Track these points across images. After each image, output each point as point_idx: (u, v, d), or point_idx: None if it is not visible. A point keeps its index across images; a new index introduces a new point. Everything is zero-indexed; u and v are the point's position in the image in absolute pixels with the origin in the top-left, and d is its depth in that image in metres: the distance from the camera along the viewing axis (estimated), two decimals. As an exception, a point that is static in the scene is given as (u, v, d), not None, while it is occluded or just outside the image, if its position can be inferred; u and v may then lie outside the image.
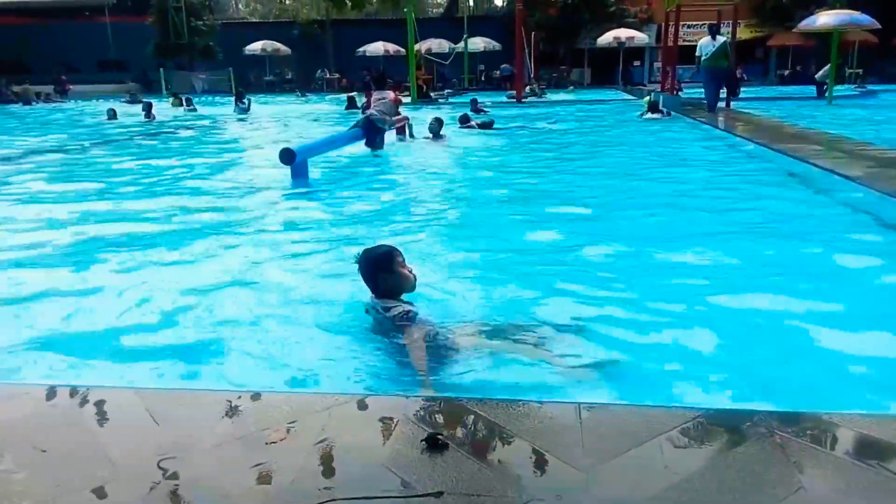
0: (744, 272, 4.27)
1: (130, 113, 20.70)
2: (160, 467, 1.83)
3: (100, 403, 2.22)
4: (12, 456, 1.86)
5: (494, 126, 14.09)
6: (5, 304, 3.80)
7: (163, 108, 22.31)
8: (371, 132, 10.51)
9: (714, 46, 15.19)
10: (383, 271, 3.32)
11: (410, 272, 3.39)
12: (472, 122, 13.97)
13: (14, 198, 7.46)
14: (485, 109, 14.31)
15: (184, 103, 23.72)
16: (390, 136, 11.62)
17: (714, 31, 15.47)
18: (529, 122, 15.68)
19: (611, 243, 4.95)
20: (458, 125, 13.82)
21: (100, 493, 1.72)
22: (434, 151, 10.97)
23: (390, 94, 11.29)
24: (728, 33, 17.89)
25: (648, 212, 6.20)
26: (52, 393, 2.27)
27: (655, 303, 3.68)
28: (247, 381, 2.72)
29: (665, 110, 16.00)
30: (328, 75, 38.18)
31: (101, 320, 3.48)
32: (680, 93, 20.56)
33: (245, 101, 22.14)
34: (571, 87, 32.50)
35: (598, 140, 13.16)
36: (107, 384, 2.49)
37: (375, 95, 11.27)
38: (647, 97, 18.34)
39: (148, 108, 19.36)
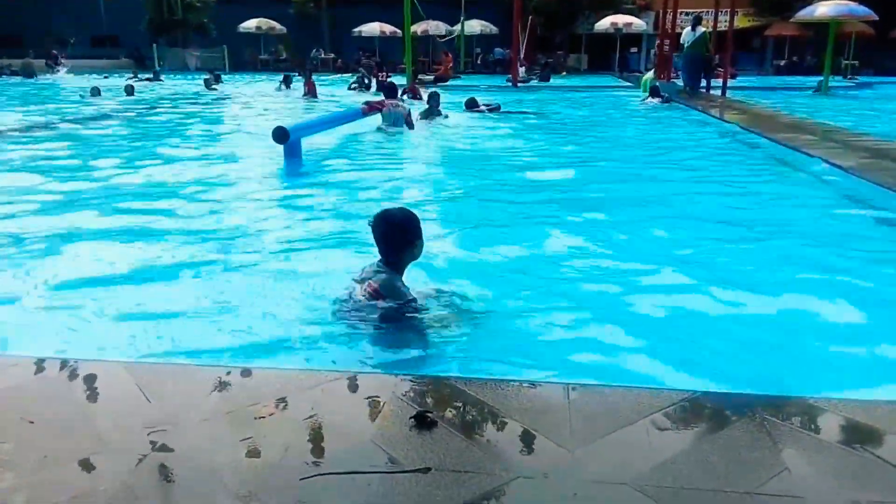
0: (735, 259, 4.29)
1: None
2: (149, 440, 1.84)
3: (89, 376, 2.22)
4: (2, 427, 1.85)
5: (501, 110, 13.98)
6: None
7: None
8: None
9: (694, 36, 16.73)
10: (416, 239, 2.95)
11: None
12: (481, 106, 13.77)
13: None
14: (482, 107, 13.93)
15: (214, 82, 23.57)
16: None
17: (695, 23, 17.11)
18: (529, 107, 15.61)
19: (606, 228, 4.96)
20: (465, 109, 13.64)
21: (86, 465, 1.72)
22: (438, 134, 10.89)
23: (407, 110, 11.09)
24: (708, 26, 18.45)
25: (643, 195, 6.22)
26: (41, 365, 2.27)
27: (646, 286, 3.70)
28: (236, 357, 2.72)
29: (665, 95, 16.01)
30: (323, 55, 37.85)
31: (91, 293, 3.46)
32: (675, 80, 20.52)
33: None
34: (565, 73, 32.34)
35: (599, 124, 13.15)
36: (96, 357, 2.48)
37: (392, 103, 11.02)
38: (648, 74, 18.43)
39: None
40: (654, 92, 16.23)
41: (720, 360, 2.90)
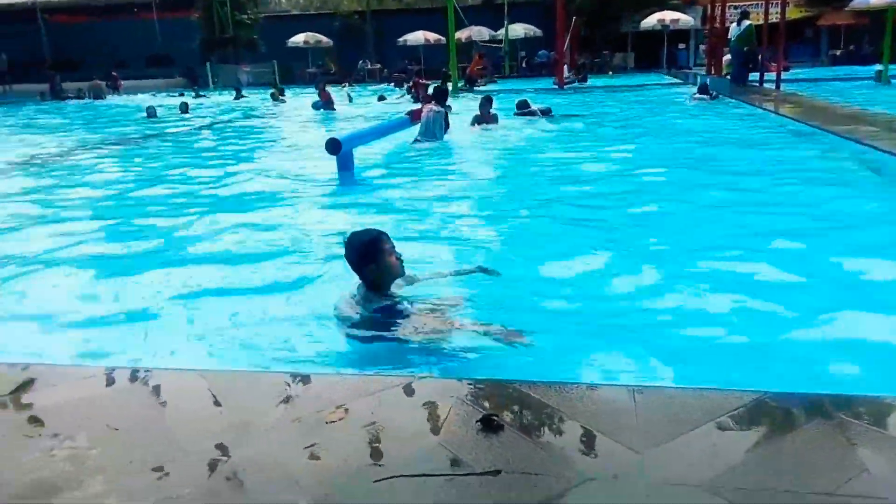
0: (800, 258, 4.19)
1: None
2: (225, 445, 1.90)
3: (166, 384, 2.31)
4: (87, 434, 1.95)
5: (551, 113, 13.81)
6: (81, 292, 3.97)
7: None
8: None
9: (739, 30, 17.05)
10: (369, 263, 3.14)
11: (397, 259, 3.21)
12: (533, 108, 13.57)
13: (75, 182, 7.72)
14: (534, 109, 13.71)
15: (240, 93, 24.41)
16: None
17: (741, 18, 17.32)
18: (578, 109, 15.48)
19: (665, 227, 4.92)
20: (516, 112, 13.48)
21: (169, 470, 1.80)
22: (484, 140, 10.88)
23: (443, 112, 11.04)
24: (758, 19, 18.32)
25: (701, 194, 6.12)
26: (121, 375, 2.37)
27: (709, 286, 3.64)
28: (302, 363, 2.79)
29: (713, 93, 15.69)
30: (370, 66, 38.35)
31: (163, 306, 3.61)
32: (726, 76, 20.10)
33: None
34: (611, 73, 31.98)
35: (648, 124, 12.95)
36: (173, 366, 2.58)
37: (431, 107, 11.00)
38: (697, 80, 18.18)
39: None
40: (702, 89, 15.94)
41: (789, 359, 2.84)
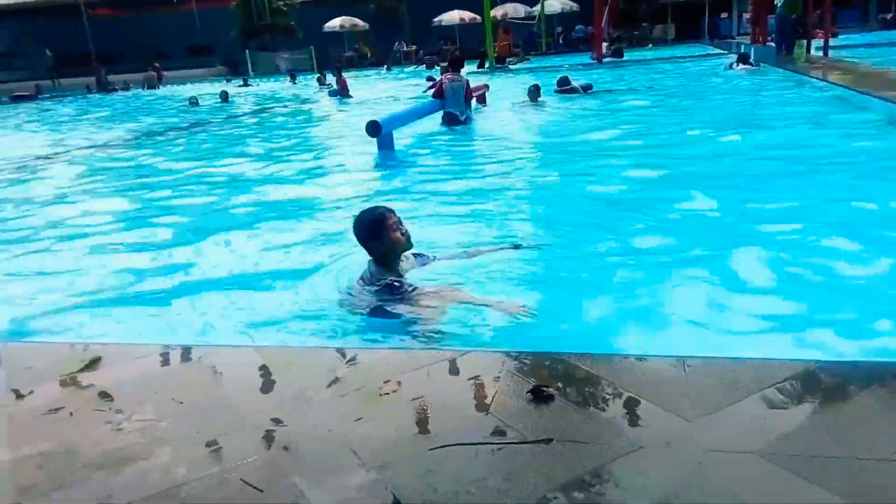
0: (854, 227, 4.10)
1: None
2: (284, 417, 1.97)
3: (224, 360, 2.40)
4: (154, 407, 2.04)
5: (593, 89, 13.64)
6: (142, 272, 4.13)
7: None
8: (450, 123, 10.46)
9: None
10: (374, 239, 3.29)
11: (403, 234, 3.32)
12: (574, 85, 13.46)
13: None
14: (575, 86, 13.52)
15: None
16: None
17: None
18: (619, 83, 15.24)
19: (706, 198, 4.85)
20: (556, 89, 13.38)
21: (233, 440, 1.87)
22: (525, 118, 10.81)
23: (465, 81, 10.99)
24: None
25: (743, 166, 6.01)
26: (183, 352, 2.47)
27: (757, 257, 3.60)
28: (352, 338, 2.87)
29: (755, 62, 15.25)
30: (405, 48, 38.27)
31: (221, 285, 3.75)
32: (771, 43, 19.50)
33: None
34: (650, 45, 31.30)
35: (689, 97, 12.70)
36: (230, 343, 2.67)
37: (450, 76, 10.97)
38: (741, 50, 17.70)
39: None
40: (742, 58, 15.49)
41: (841, 329, 2.79)
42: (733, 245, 3.81)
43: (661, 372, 2.15)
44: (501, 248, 3.97)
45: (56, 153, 10.88)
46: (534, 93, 11.99)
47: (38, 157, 10.35)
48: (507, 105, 12.10)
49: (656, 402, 1.95)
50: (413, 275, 3.45)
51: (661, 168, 6.27)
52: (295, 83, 25.52)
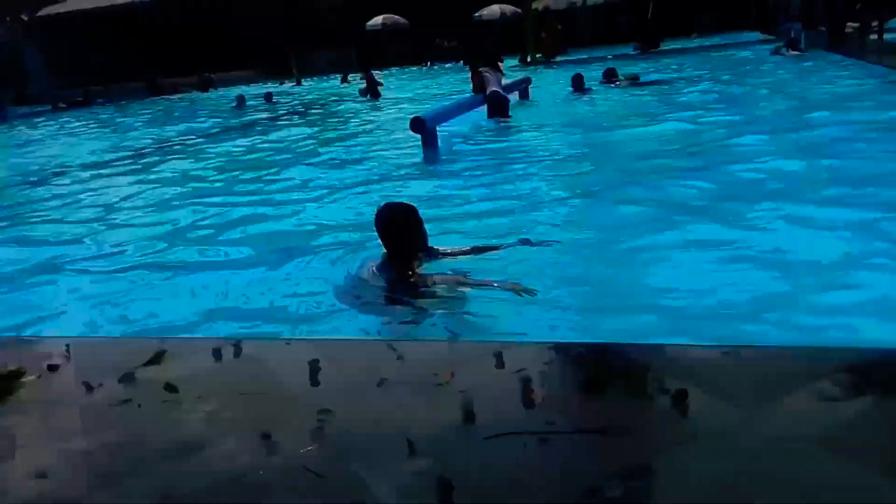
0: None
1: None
2: (338, 408, 2.02)
3: (281, 353, 2.48)
4: (216, 398, 2.12)
5: (640, 80, 13.48)
6: (197, 269, 4.30)
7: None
8: (496, 112, 10.45)
9: None
10: (393, 234, 3.31)
11: (420, 235, 3.40)
12: (621, 76, 13.33)
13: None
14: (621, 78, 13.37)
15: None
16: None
17: None
18: (666, 73, 15.01)
19: (752, 191, 4.77)
20: (602, 80, 13.26)
21: (296, 428, 1.93)
22: (570, 111, 10.75)
23: (502, 74, 10.99)
24: None
25: (792, 157, 5.88)
26: (242, 345, 2.56)
27: (813, 248, 3.53)
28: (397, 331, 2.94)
29: (803, 47, 14.83)
30: (446, 44, 38.25)
31: (273, 281, 3.87)
32: (822, 29, 18.94)
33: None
34: (695, 34, 30.66)
35: (736, 84, 12.42)
36: (286, 337, 2.75)
37: (488, 70, 10.94)
38: (791, 34, 17.16)
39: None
40: (791, 43, 15.06)
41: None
42: (782, 233, 3.76)
43: (714, 361, 2.14)
44: (510, 245, 3.98)
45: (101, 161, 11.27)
46: (578, 83, 11.93)
47: (86, 164, 10.75)
48: (551, 98, 12.04)
49: (710, 391, 1.94)
50: (425, 268, 3.53)
51: (708, 157, 6.19)
52: (348, 83, 25.45)
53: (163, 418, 2.03)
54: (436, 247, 3.73)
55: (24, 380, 2.31)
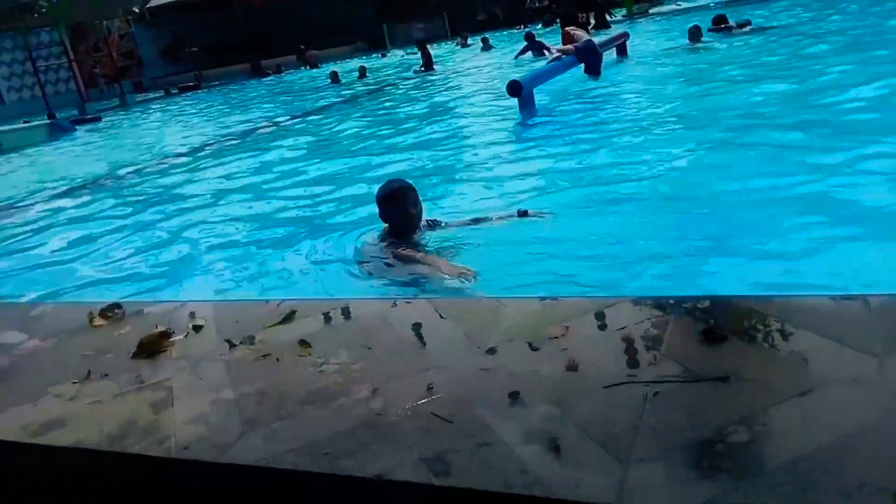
0: None
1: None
2: (462, 359, 2.12)
3: (403, 311, 2.60)
4: (346, 352, 2.26)
5: (751, 26, 12.80)
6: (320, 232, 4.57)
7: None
8: (591, 58, 10.22)
9: None
10: (386, 210, 3.67)
11: (415, 213, 3.71)
12: (730, 23, 12.73)
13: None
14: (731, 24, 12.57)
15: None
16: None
17: None
18: (781, 17, 14.11)
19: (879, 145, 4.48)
20: (710, 27, 12.69)
21: (424, 378, 2.04)
22: (673, 66, 10.37)
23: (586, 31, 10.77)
24: None
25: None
26: (366, 304, 2.71)
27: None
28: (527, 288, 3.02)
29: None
30: (538, 4, 37.48)
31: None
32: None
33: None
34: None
35: (862, 27, 11.53)
36: (405, 296, 2.88)
37: (572, 29, 10.70)
38: None
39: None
40: None
41: None
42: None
43: (841, 310, 2.08)
44: (509, 216, 4.14)
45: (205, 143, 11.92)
46: (695, 34, 11.52)
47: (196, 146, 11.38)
48: (653, 53, 11.63)
49: (838, 340, 1.89)
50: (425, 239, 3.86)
51: (825, 112, 5.84)
52: (468, 45, 25.59)
53: (301, 370, 2.19)
54: (437, 219, 4.09)
55: (174, 339, 2.54)
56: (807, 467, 1.43)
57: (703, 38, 11.55)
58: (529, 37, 16.71)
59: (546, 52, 13.47)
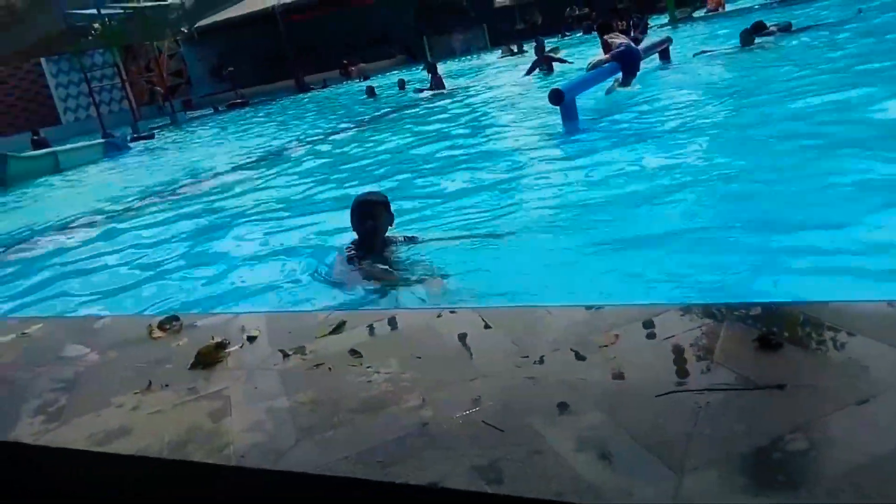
0: None
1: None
2: (514, 367, 2.13)
3: (450, 320, 2.62)
4: (397, 361, 2.30)
5: (793, 29, 12.57)
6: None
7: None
8: (627, 58, 10.13)
9: None
10: (355, 221, 3.82)
11: (377, 227, 3.85)
12: (771, 27, 12.53)
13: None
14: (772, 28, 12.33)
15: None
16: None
17: None
18: (826, 19, 13.80)
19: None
20: (751, 33, 12.51)
21: (471, 385, 2.06)
22: (717, 71, 10.22)
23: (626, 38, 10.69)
24: None
25: None
26: (413, 315, 2.74)
27: None
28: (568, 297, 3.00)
29: None
30: (577, 12, 37.34)
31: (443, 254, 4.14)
32: None
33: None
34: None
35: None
36: (452, 306, 2.91)
37: (609, 37, 10.62)
38: None
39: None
40: None
41: None
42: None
43: (892, 316, 2.02)
44: (485, 236, 4.22)
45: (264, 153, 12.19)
46: (746, 38, 11.35)
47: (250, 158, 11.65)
48: (697, 58, 11.48)
49: (893, 346, 1.84)
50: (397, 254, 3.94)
51: (874, 112, 5.69)
52: (523, 53, 25.57)
53: (352, 379, 2.23)
54: (415, 235, 4.19)
55: (229, 350, 2.61)
56: (866, 476, 1.40)
57: (756, 41, 11.39)
58: (539, 50, 16.50)
59: (556, 64, 13.58)
